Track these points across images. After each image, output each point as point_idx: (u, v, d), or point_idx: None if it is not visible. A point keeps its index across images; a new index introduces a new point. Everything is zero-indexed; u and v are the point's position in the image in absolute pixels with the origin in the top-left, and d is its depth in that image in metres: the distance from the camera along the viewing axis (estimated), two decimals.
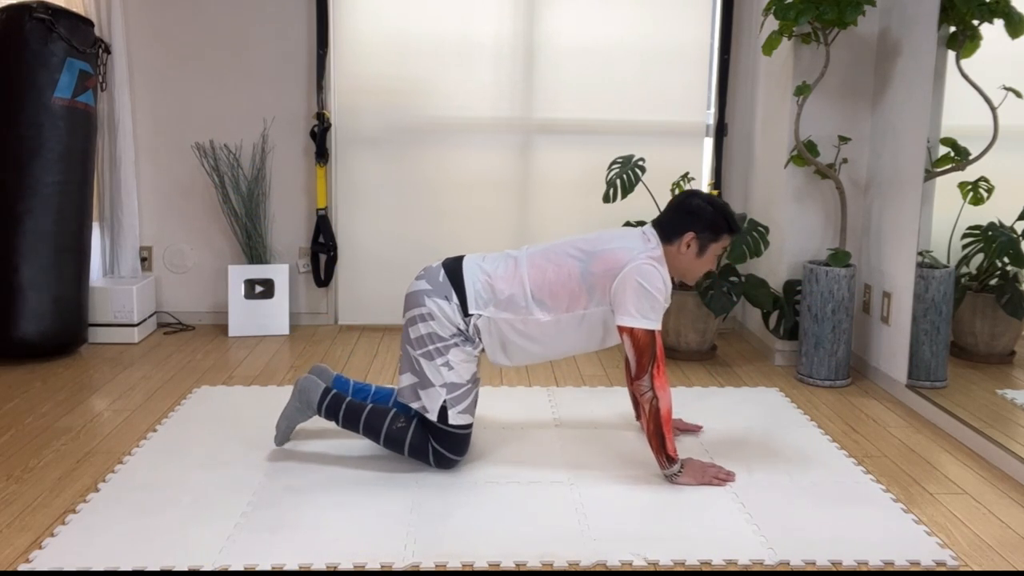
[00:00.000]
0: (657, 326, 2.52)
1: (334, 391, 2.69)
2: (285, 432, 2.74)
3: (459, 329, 2.57)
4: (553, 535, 2.25)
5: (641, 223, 3.99)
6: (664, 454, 2.54)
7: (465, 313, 2.56)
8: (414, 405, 2.58)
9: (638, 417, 3.01)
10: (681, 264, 2.64)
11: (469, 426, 2.60)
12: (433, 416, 2.55)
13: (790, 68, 3.80)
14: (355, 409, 2.65)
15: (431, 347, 2.55)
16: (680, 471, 2.56)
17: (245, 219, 4.30)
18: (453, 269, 2.62)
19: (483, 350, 2.63)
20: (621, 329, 2.53)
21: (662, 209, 2.79)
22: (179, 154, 4.36)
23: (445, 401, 2.54)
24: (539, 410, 3.21)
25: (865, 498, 2.50)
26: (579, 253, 2.59)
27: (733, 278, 3.78)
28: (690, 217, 2.61)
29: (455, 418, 2.55)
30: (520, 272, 2.59)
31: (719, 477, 2.58)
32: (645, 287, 2.50)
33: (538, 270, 2.58)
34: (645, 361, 2.51)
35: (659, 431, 2.52)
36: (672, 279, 2.65)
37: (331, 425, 2.97)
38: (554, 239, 4.34)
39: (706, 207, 2.62)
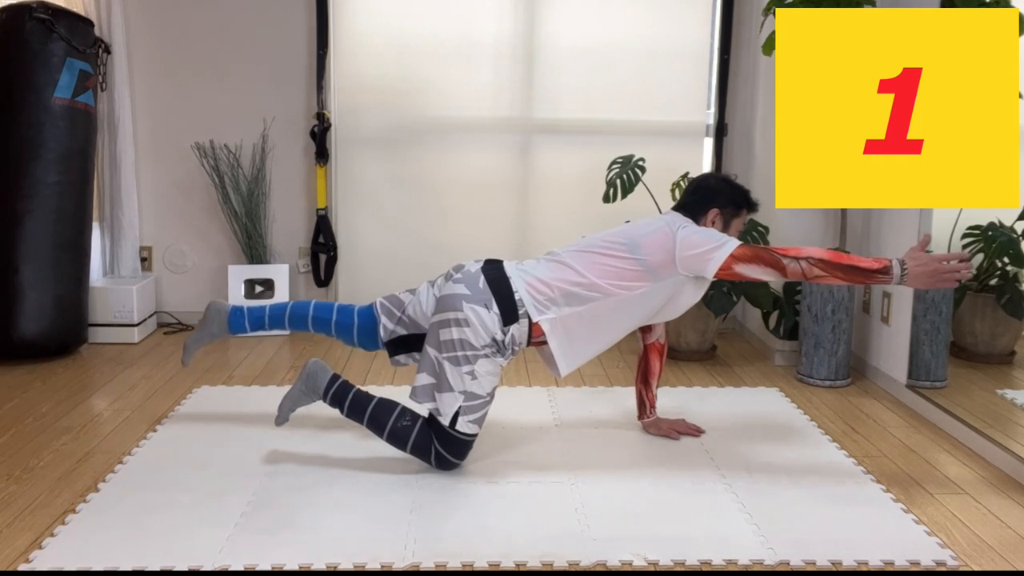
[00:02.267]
0: (737, 241, 2.51)
1: (342, 379, 2.67)
2: (286, 414, 2.69)
3: (493, 339, 2.52)
4: (553, 535, 2.25)
5: None
6: (873, 278, 2.39)
7: (505, 323, 2.53)
8: (428, 406, 2.55)
9: (640, 416, 3.01)
10: None
11: (475, 435, 2.59)
12: (445, 420, 2.52)
13: None
14: (361, 400, 2.62)
15: (459, 353, 2.51)
16: (903, 276, 2.37)
17: (245, 219, 4.30)
18: (496, 278, 2.56)
19: (512, 359, 2.61)
20: (724, 272, 2.49)
21: (680, 197, 2.86)
22: (179, 154, 4.36)
23: (460, 408, 2.51)
24: (539, 410, 3.21)
25: (865, 498, 2.51)
26: (621, 247, 2.59)
27: None
28: (711, 194, 2.74)
29: (464, 426, 2.54)
30: (575, 268, 2.57)
31: (951, 272, 2.35)
32: (700, 230, 2.57)
33: (591, 263, 2.57)
34: (770, 259, 2.44)
35: (847, 272, 2.39)
36: None
37: (332, 424, 2.97)
38: (555, 239, 4.38)
39: (723, 184, 2.78)
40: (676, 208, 2.77)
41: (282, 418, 2.69)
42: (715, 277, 2.53)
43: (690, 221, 2.67)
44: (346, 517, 2.33)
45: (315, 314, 2.83)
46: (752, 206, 2.80)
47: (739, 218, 2.76)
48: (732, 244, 2.51)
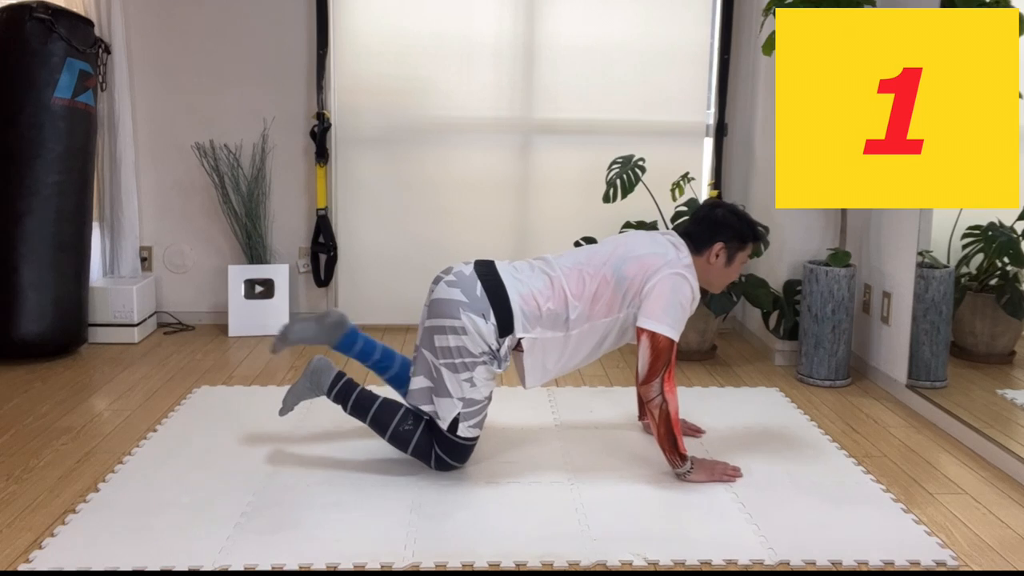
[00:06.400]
0: (677, 336, 2.53)
1: (346, 377, 2.66)
2: (290, 405, 2.69)
3: (490, 348, 2.52)
4: (553, 535, 2.25)
5: (641, 223, 3.99)
6: (676, 454, 2.55)
7: (501, 334, 2.52)
8: (426, 408, 2.56)
9: (641, 417, 3.01)
10: (710, 274, 2.68)
11: (476, 439, 2.59)
12: (444, 425, 2.53)
13: None
14: (365, 400, 2.62)
15: (457, 360, 2.50)
16: (691, 469, 2.57)
17: (245, 219, 4.30)
18: (492, 285, 2.55)
19: (506, 368, 2.60)
20: (642, 331, 2.52)
21: (687, 222, 2.81)
22: (179, 154, 4.36)
23: (459, 414, 2.52)
24: (539, 410, 3.21)
25: (865, 498, 2.51)
26: (611, 259, 2.59)
27: None
28: (718, 227, 2.68)
29: (465, 431, 2.54)
30: (562, 285, 2.56)
31: (728, 473, 2.60)
32: (677, 297, 2.53)
33: (577, 282, 2.57)
34: (659, 366, 2.51)
35: (670, 433, 2.53)
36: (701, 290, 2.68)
37: (332, 424, 2.97)
38: (555, 239, 4.38)
39: (731, 217, 2.71)
40: (682, 234, 2.70)
41: (286, 409, 2.70)
42: (635, 327, 2.57)
43: (688, 260, 2.60)
44: (346, 517, 2.33)
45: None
46: (759, 238, 2.77)
47: (744, 251, 2.72)
48: (669, 332, 2.51)
